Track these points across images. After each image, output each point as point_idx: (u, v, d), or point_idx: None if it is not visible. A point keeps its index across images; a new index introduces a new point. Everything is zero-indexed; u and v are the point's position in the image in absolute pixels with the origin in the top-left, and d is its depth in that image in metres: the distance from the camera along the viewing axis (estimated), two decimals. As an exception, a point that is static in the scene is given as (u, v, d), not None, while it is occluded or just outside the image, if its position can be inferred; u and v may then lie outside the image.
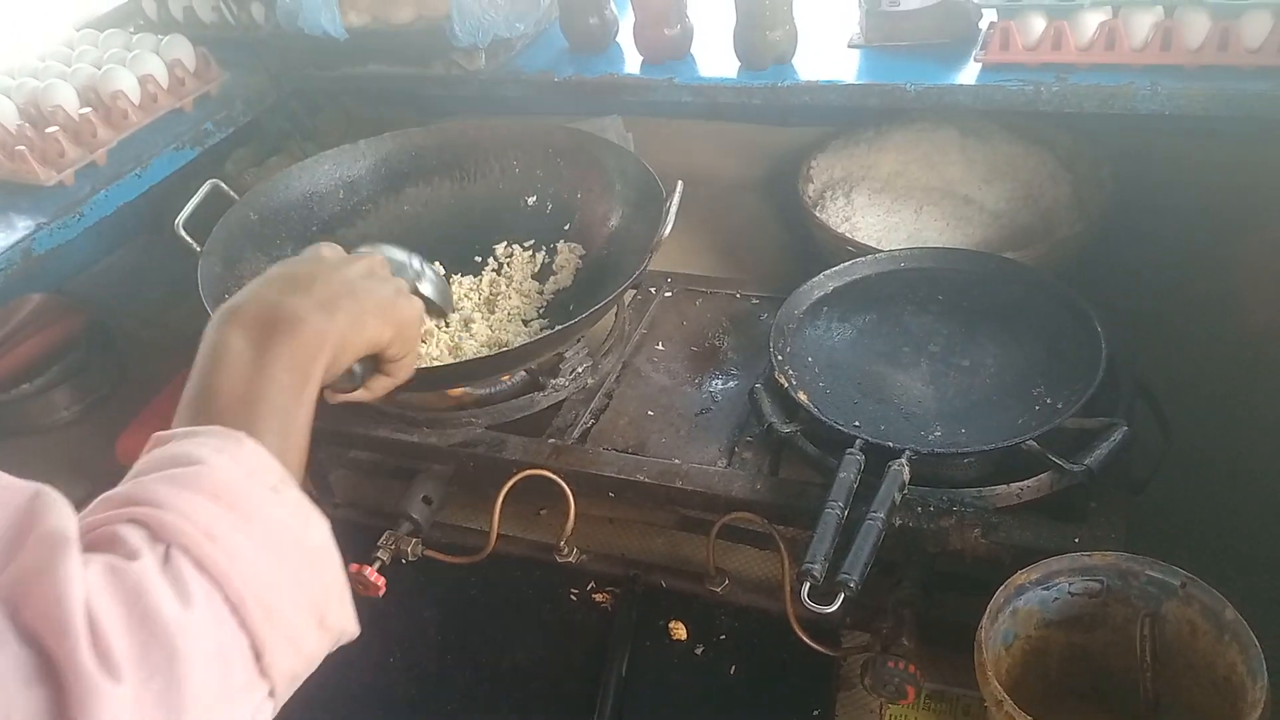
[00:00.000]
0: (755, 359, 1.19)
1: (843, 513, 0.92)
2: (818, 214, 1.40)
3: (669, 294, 1.33)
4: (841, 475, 0.95)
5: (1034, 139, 1.44)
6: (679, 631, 1.05)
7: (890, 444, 0.97)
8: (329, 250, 0.72)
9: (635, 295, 1.30)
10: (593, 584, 1.10)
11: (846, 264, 1.19)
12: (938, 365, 1.08)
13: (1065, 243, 1.27)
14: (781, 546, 0.99)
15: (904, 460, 0.95)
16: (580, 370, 1.15)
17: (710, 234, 1.57)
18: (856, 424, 1.02)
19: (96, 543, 0.45)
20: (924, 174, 1.45)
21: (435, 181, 1.35)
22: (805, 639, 0.97)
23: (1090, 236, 1.28)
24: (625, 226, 1.24)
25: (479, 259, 1.32)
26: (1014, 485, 0.95)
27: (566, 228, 1.31)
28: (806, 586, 0.87)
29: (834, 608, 0.85)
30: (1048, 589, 0.88)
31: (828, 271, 1.18)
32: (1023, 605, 0.88)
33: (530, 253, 1.31)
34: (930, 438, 1.00)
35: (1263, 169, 1.25)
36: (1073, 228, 1.31)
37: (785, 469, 1.07)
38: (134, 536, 0.44)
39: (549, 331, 1.05)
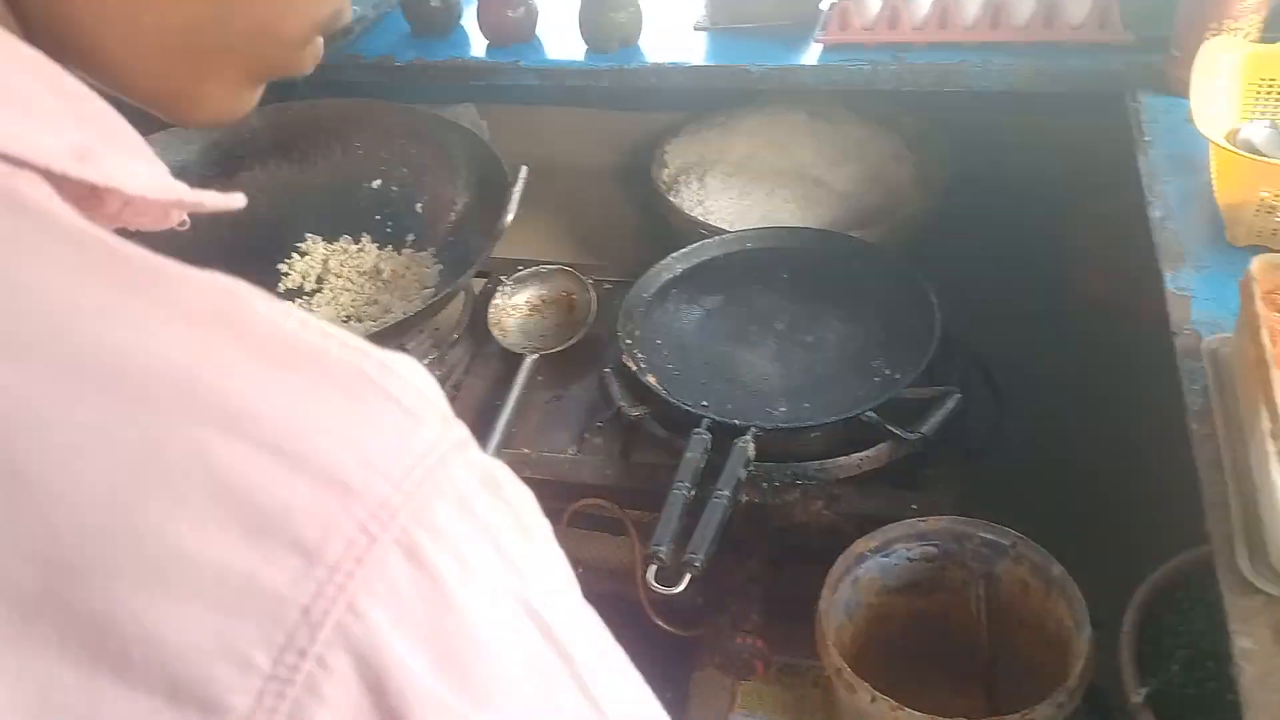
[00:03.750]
0: (609, 344, 1.18)
1: (689, 493, 0.92)
2: (671, 198, 1.40)
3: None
4: (688, 455, 0.94)
5: (879, 120, 1.47)
6: (533, 623, 1.02)
7: (736, 421, 0.97)
8: None
9: (486, 284, 1.27)
10: (443, 580, 1.06)
11: (694, 246, 1.19)
12: (784, 342, 1.09)
13: (907, 221, 1.30)
14: (632, 531, 0.98)
15: (749, 437, 0.95)
16: (426, 362, 1.12)
17: (568, 221, 1.55)
18: (704, 404, 1.02)
19: None
20: (775, 157, 1.47)
21: (271, 165, 1.30)
22: (659, 622, 0.96)
23: (931, 214, 1.31)
24: (472, 212, 1.21)
25: (320, 244, 1.28)
26: (854, 456, 0.97)
27: (418, 209, 1.27)
28: (653, 569, 0.86)
29: (680, 589, 0.85)
30: (887, 556, 0.89)
31: (676, 254, 1.18)
32: (863, 573, 0.89)
33: (372, 239, 1.27)
34: (776, 414, 1.01)
35: (1091, 147, 1.30)
36: (915, 206, 1.34)
37: (636, 453, 1.06)
38: None
39: (384, 322, 1.02)
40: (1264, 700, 0.58)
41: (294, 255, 1.27)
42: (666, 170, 1.47)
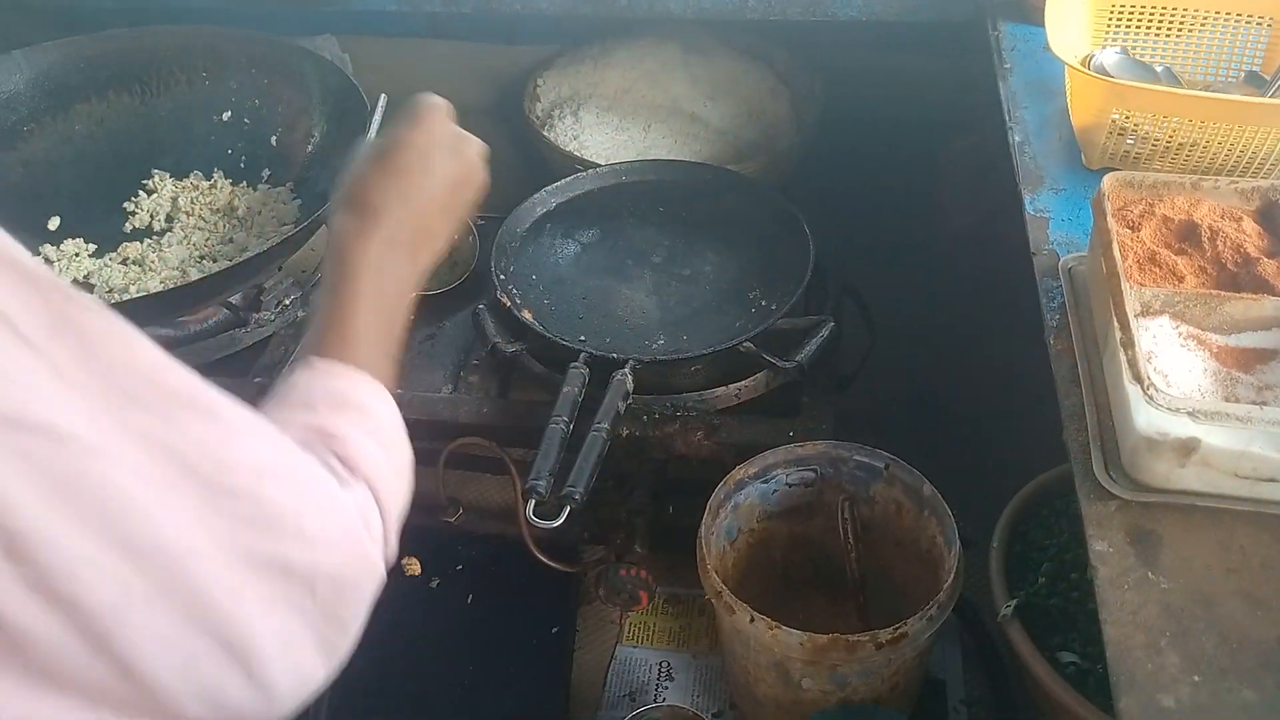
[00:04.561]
0: (484, 280, 1.15)
1: (568, 427, 0.90)
2: (545, 133, 1.36)
3: (389, 219, 1.25)
4: (566, 389, 0.93)
5: (754, 55, 1.46)
6: (413, 567, 1.00)
7: (614, 355, 0.96)
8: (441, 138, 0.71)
9: (351, 221, 1.21)
10: (317, 529, 1.03)
11: (568, 179, 1.16)
12: (660, 276, 1.08)
13: (783, 155, 1.31)
14: (512, 468, 0.96)
15: (627, 370, 0.94)
16: (288, 302, 1.06)
17: (440, 159, 1.49)
18: (582, 338, 1.00)
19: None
20: (650, 91, 1.44)
21: (111, 96, 1.20)
22: (543, 558, 0.95)
23: (805, 148, 1.32)
24: (330, 144, 1.15)
25: (169, 181, 1.20)
26: (733, 386, 0.97)
27: (272, 142, 1.20)
28: (531, 503, 0.85)
29: (559, 522, 0.84)
30: (766, 482, 0.90)
31: (549, 187, 1.15)
32: (744, 500, 0.90)
33: (225, 175, 1.20)
34: (654, 346, 1.00)
35: (957, 79, 1.33)
36: (790, 141, 1.34)
37: (515, 390, 1.04)
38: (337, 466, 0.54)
39: (236, 260, 0.96)
40: (1117, 598, 0.60)
41: (140, 193, 1.19)
42: (540, 105, 1.43)
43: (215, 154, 1.22)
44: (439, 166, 0.70)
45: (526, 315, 1.02)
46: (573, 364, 0.95)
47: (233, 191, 1.20)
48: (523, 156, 1.45)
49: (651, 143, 1.39)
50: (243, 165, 1.22)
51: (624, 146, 1.38)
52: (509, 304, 1.02)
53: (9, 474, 0.37)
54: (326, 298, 0.63)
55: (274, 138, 1.21)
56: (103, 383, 0.41)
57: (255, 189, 1.20)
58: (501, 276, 1.05)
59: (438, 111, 0.72)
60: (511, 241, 1.10)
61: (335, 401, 0.57)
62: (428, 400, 1.00)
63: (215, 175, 1.21)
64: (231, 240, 1.14)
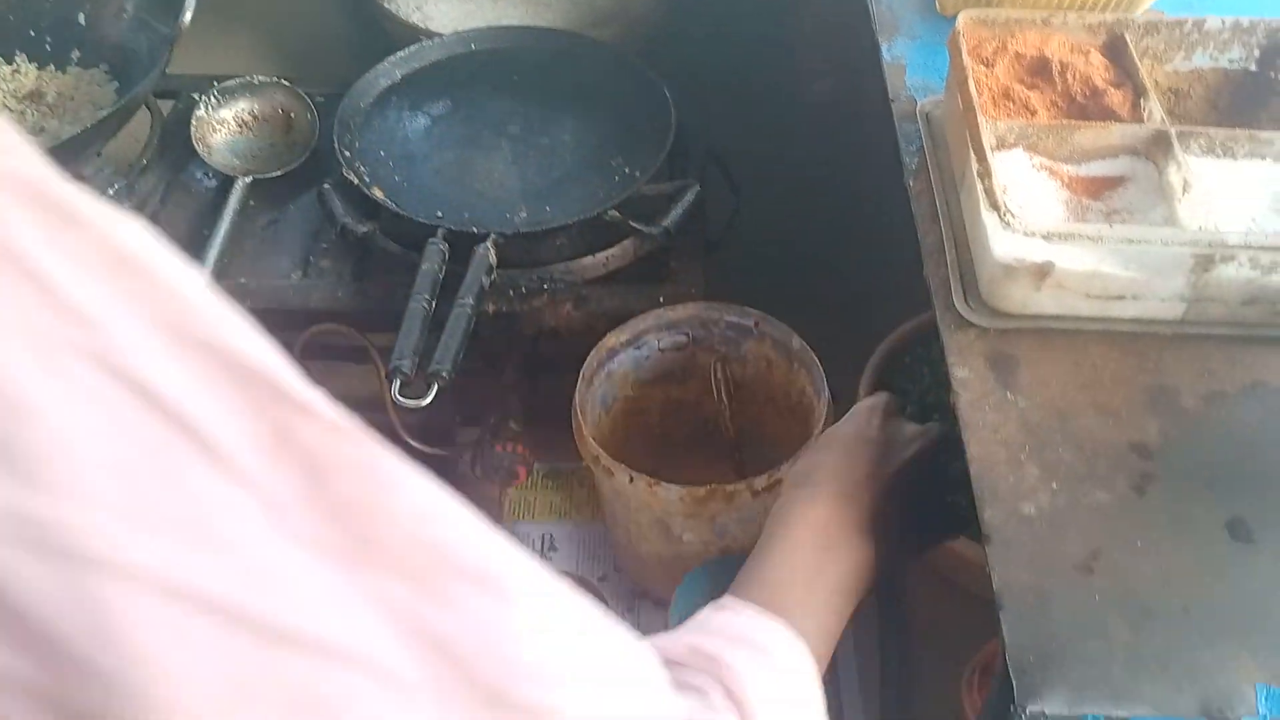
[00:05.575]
0: (327, 159, 1.08)
1: (429, 305, 0.86)
2: (385, 4, 1.27)
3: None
4: (425, 266, 0.89)
5: (603, -83, 1.39)
6: (277, 465, 0.96)
7: (474, 229, 0.92)
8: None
9: (176, 104, 1.12)
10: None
11: (414, 48, 1.10)
12: (519, 146, 1.04)
13: (640, 20, 1.26)
14: (374, 353, 0.92)
15: (489, 244, 0.90)
16: (110, 192, 0.98)
17: (271, 34, 1.39)
18: (439, 214, 0.96)
19: (686, 684, 0.46)
20: (498, -42, 1.37)
21: (-120, -23, 1.06)
22: (412, 442, 0.92)
23: (663, 14, 1.28)
24: (144, 17, 1.05)
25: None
26: (600, 255, 0.94)
27: (80, 20, 1.09)
28: (396, 384, 0.81)
29: (426, 400, 0.81)
30: (639, 348, 0.89)
31: (393, 58, 1.08)
32: (617, 367, 0.88)
33: (29, 58, 1.08)
34: (516, 219, 0.96)
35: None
36: (646, 4, 1.30)
37: (370, 273, 0.99)
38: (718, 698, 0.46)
39: (47, 149, 0.87)
40: (979, 419, 0.62)
41: (-72, 84, 1.06)
42: (378, -27, 1.34)
43: (15, 36, 1.09)
44: (861, 459, 0.67)
45: (377, 193, 0.96)
46: (430, 240, 0.91)
47: (39, 76, 1.08)
48: (361, 31, 1.36)
49: (501, 12, 1.32)
50: (49, 47, 1.10)
51: (471, 16, 1.31)
52: (357, 181, 0.96)
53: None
54: (760, 544, 0.61)
55: (81, 15, 1.09)
56: (345, 539, 0.27)
57: (65, 72, 1.09)
58: (346, 153, 0.98)
59: (870, 410, 0.71)
60: (355, 116, 1.03)
61: (734, 635, 0.50)
62: (275, 288, 0.95)
63: (18, 59, 1.09)
64: (43, 129, 1.03)
